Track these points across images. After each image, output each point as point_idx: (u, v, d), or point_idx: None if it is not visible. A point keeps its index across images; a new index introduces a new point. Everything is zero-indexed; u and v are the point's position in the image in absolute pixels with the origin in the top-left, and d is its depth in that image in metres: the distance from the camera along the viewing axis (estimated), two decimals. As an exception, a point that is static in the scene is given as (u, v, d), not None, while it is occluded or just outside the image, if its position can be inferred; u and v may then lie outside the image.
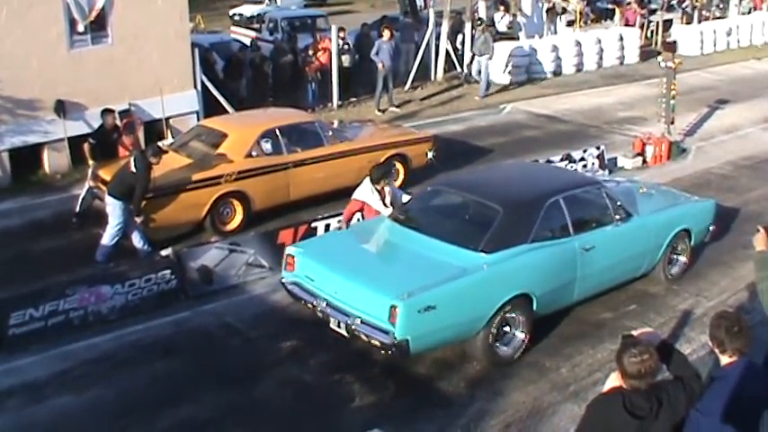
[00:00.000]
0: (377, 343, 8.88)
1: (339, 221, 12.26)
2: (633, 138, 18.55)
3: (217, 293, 11.58)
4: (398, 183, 15.38)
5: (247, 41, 24.08)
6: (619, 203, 11.04)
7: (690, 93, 23.03)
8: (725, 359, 5.63)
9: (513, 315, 9.68)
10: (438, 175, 15.19)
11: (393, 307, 8.70)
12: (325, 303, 9.54)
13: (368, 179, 11.45)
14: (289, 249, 10.38)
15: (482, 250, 9.59)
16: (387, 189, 11.46)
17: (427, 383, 9.45)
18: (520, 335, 9.80)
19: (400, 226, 10.54)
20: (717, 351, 5.68)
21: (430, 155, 15.91)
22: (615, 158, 17.44)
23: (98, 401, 9.19)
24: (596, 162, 16.69)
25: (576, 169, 16.19)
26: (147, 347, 10.32)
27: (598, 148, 17.03)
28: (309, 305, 9.76)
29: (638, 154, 17.53)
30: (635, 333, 5.82)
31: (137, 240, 12.54)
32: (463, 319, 9.20)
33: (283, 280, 10.28)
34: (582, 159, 16.49)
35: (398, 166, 15.53)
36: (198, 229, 13.44)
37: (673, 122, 18.26)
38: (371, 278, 9.42)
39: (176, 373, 9.74)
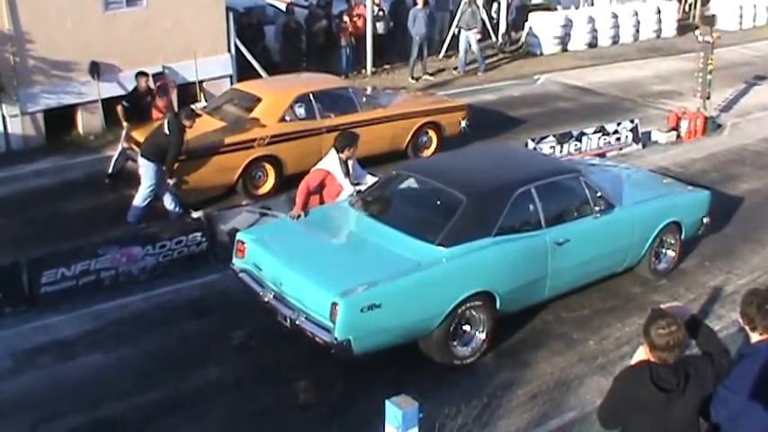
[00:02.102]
0: (320, 341, 8.34)
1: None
2: (668, 112, 18.34)
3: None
4: (431, 151, 15.42)
5: (282, 6, 23.98)
6: (599, 194, 10.26)
7: (727, 68, 22.68)
8: (755, 336, 5.59)
9: (474, 314, 9.08)
10: (472, 144, 15.10)
11: (334, 304, 8.17)
12: (272, 294, 9.06)
13: (333, 149, 10.82)
14: (239, 235, 9.89)
15: (440, 243, 8.97)
16: (350, 163, 10.85)
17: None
18: (480, 335, 9.18)
19: (359, 213, 9.98)
20: (747, 328, 5.64)
21: (463, 124, 15.79)
22: (649, 132, 17.28)
23: (127, 361, 9.32)
24: (630, 135, 16.56)
25: (609, 142, 16.11)
26: (176, 309, 10.43)
27: (632, 121, 16.87)
28: (258, 295, 9.25)
29: (673, 128, 17.36)
30: (663, 307, 5.79)
31: (168, 202, 12.62)
32: (414, 319, 8.64)
33: (233, 267, 9.80)
34: (616, 132, 16.36)
35: (431, 134, 15.50)
36: (230, 193, 13.52)
37: (709, 98, 18.02)
38: (316, 271, 8.83)
39: (204, 335, 9.83)
